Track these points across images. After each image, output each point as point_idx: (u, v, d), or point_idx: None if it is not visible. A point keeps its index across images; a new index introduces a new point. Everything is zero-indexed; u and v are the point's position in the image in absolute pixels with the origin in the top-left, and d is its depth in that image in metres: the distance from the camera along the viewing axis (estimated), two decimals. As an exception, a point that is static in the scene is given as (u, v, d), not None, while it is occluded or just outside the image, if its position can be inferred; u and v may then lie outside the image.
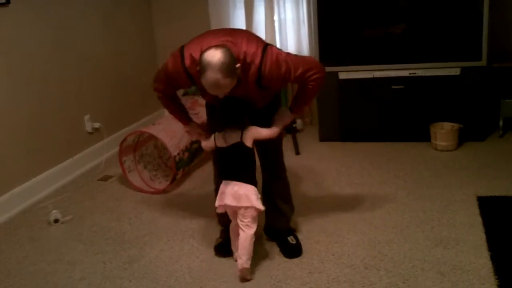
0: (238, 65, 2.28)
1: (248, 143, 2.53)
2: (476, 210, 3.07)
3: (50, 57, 3.88)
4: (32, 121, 3.70)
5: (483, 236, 2.77)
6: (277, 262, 2.69)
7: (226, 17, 5.01)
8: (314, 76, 2.44)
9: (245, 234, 2.53)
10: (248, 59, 2.33)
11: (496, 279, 2.39)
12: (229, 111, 2.49)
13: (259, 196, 2.54)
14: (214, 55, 2.21)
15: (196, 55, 2.33)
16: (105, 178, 4.04)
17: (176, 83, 2.55)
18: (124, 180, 3.85)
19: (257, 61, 2.34)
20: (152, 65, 5.24)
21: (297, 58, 2.47)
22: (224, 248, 2.79)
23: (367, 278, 2.49)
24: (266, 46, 2.39)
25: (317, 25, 4.25)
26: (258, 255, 2.71)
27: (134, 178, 3.81)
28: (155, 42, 5.36)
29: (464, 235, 2.80)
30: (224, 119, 2.52)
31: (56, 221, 3.29)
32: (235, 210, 2.54)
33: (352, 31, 4.26)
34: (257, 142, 2.62)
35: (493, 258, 2.56)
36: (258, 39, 2.46)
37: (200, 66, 2.26)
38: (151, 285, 2.56)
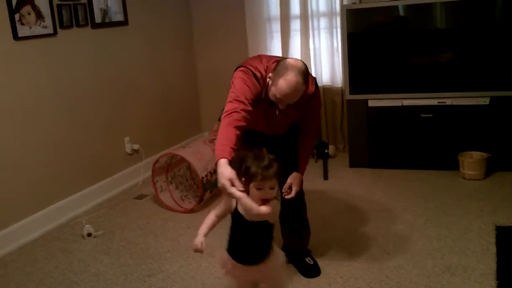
0: None
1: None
2: (492, 240, 3.08)
3: (96, 82, 4.19)
4: (75, 141, 4.00)
5: (493, 265, 2.78)
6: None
7: (264, 46, 5.21)
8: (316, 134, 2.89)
9: None
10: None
11: (497, 307, 2.41)
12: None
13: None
14: (297, 62, 2.47)
15: (261, 69, 2.57)
16: (140, 197, 4.28)
17: (252, 94, 2.53)
18: (157, 199, 4.06)
19: (312, 89, 2.67)
20: (192, 91, 5.50)
21: None
22: None
23: (370, 300, 2.56)
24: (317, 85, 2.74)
25: (347, 54, 4.37)
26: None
27: (165, 197, 4.02)
28: (196, 69, 5.61)
29: (473, 263, 2.81)
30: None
31: (89, 235, 3.53)
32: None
33: (381, 60, 4.36)
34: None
35: (499, 287, 2.57)
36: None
37: (278, 69, 2.46)
38: (164, 298, 2.74)
